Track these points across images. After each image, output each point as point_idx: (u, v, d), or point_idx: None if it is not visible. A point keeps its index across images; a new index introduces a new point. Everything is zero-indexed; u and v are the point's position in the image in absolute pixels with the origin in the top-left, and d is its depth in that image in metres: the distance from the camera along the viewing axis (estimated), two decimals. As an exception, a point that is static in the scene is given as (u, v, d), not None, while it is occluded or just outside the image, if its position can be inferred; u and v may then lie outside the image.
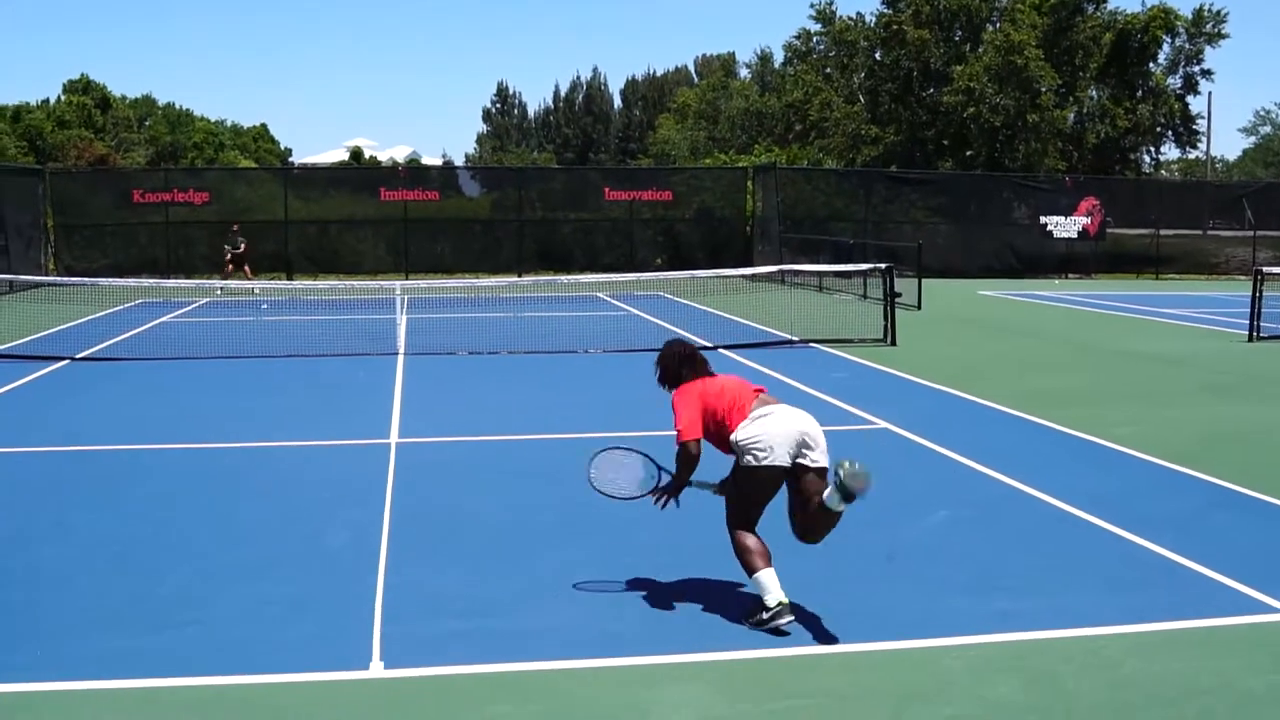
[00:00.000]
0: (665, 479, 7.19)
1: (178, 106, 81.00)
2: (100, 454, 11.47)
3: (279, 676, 5.96)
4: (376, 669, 6.06)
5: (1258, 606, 6.97)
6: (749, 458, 6.83)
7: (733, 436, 6.89)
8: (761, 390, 7.17)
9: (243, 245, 32.56)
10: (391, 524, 8.73)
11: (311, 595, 7.17)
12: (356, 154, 71.99)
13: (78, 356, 18.00)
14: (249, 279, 31.46)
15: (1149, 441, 11.56)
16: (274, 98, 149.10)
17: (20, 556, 8.00)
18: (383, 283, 29.20)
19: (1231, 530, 8.68)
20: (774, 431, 6.82)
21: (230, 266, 32.21)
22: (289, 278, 35.48)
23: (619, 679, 5.99)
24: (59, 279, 30.49)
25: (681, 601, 7.11)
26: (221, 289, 28.66)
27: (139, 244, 36.90)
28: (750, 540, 6.86)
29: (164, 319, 24.41)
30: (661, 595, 7.21)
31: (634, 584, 7.42)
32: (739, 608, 6.95)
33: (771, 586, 6.65)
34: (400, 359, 17.79)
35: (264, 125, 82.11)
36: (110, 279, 28.31)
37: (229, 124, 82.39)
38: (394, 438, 11.99)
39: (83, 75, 72.38)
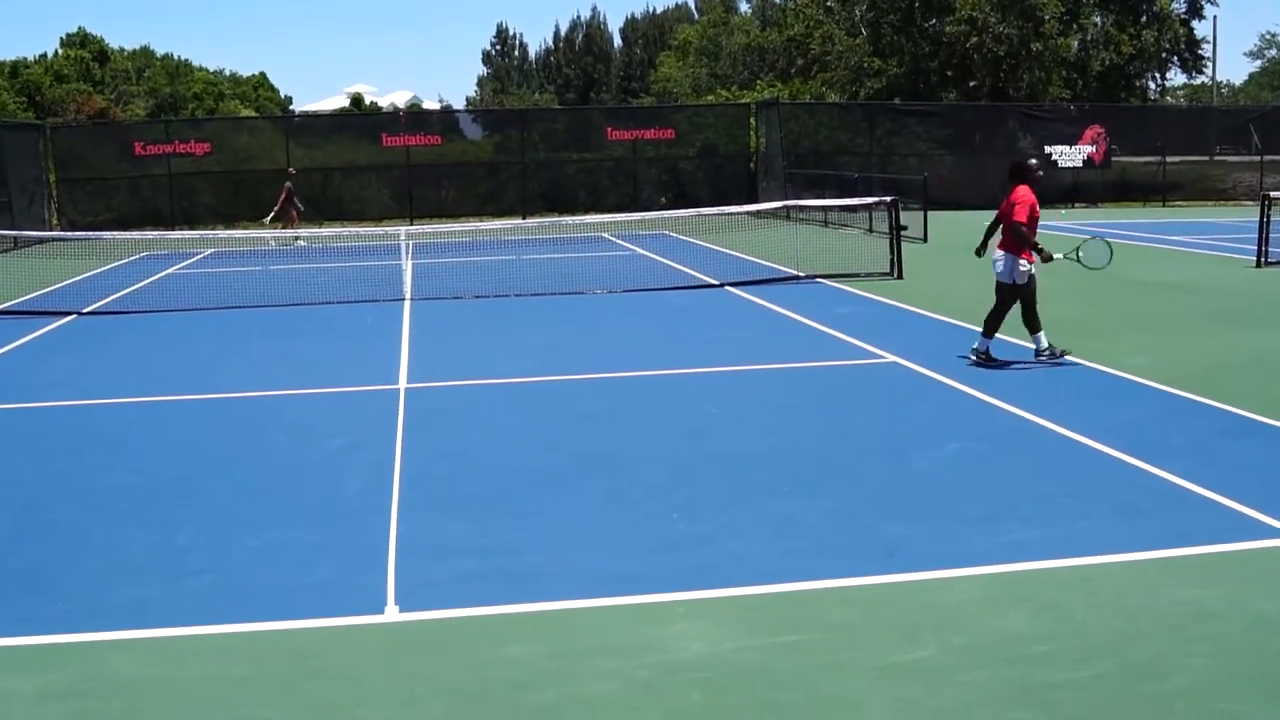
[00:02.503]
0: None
1: (176, 57, 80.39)
2: (111, 407, 11.50)
3: (295, 623, 6.01)
4: (391, 612, 6.11)
5: (1269, 531, 6.99)
6: None
7: None
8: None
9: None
10: (402, 469, 8.76)
11: (324, 542, 7.22)
12: (357, 100, 71.62)
13: (84, 311, 18.02)
14: (279, 227, 30.40)
15: (1159, 370, 11.55)
16: (272, 46, 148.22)
17: (36, 511, 8.04)
18: (387, 229, 29.15)
19: (1243, 456, 8.68)
20: None
21: (295, 215, 30.92)
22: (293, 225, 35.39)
23: (632, 616, 6.03)
24: (63, 234, 30.44)
25: (693, 539, 7.14)
26: (298, 238, 28.29)
27: (142, 196, 36.87)
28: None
29: (169, 271, 24.40)
30: (673, 533, 7.24)
31: (645, 523, 7.44)
32: (751, 544, 7.00)
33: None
34: (407, 304, 17.78)
35: (263, 74, 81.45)
36: (114, 232, 28.24)
37: (228, 73, 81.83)
38: (403, 383, 12.01)
39: (79, 28, 71.87)
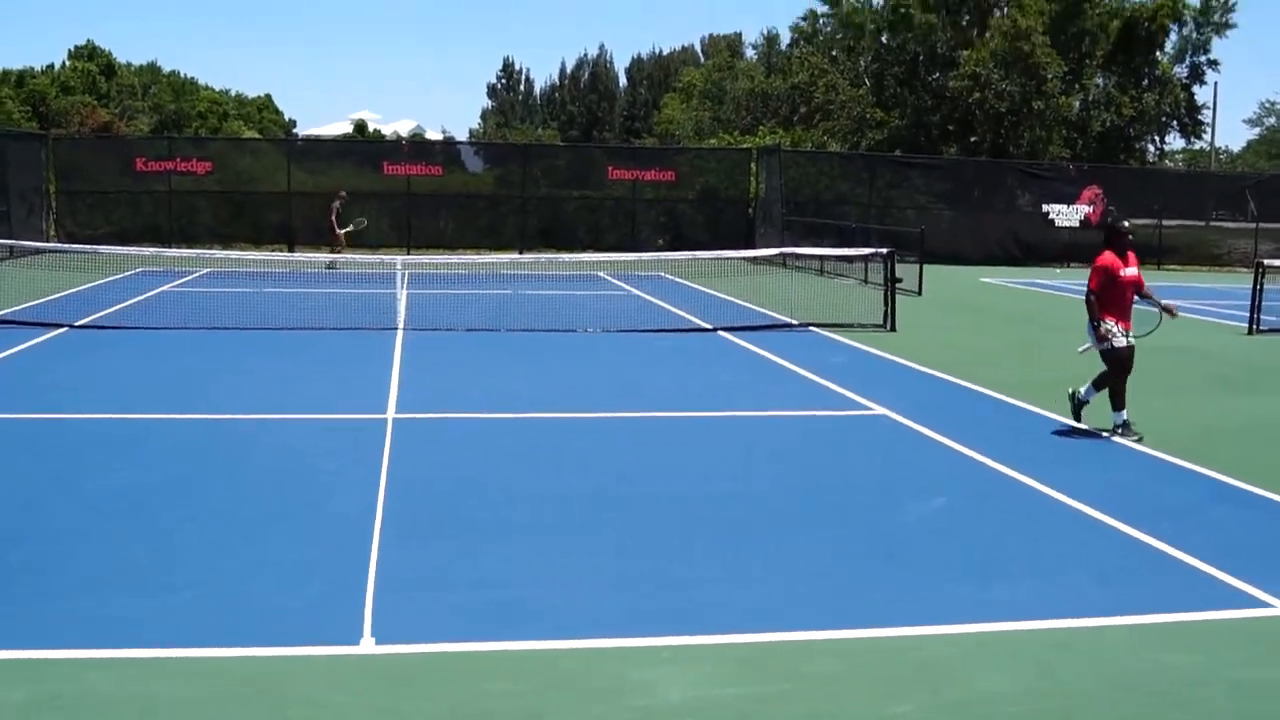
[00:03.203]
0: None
1: (182, 75, 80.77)
2: (98, 422, 11.46)
3: (273, 649, 5.97)
4: (368, 644, 6.07)
5: (1253, 601, 6.98)
6: None
7: None
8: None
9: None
10: (386, 500, 8.73)
11: (304, 571, 7.17)
12: (361, 127, 71.86)
13: (77, 324, 17.99)
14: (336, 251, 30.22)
15: (1148, 433, 11.53)
16: (279, 68, 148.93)
17: (22, 521, 8.00)
18: (384, 257, 29.14)
19: (1229, 524, 8.68)
20: None
21: (343, 237, 30.66)
22: (290, 249, 35.39)
23: (615, 658, 6.00)
24: (60, 245, 30.42)
25: (678, 583, 7.11)
26: (333, 263, 28.17)
27: (141, 212, 36.84)
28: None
29: (165, 288, 24.38)
30: (660, 576, 7.22)
31: (632, 564, 7.42)
32: (736, 590, 6.97)
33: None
34: (399, 334, 17.78)
35: (268, 96, 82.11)
36: (111, 246, 28.22)
37: (233, 94, 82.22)
38: (391, 413, 11.98)
39: (88, 41, 72.32)
